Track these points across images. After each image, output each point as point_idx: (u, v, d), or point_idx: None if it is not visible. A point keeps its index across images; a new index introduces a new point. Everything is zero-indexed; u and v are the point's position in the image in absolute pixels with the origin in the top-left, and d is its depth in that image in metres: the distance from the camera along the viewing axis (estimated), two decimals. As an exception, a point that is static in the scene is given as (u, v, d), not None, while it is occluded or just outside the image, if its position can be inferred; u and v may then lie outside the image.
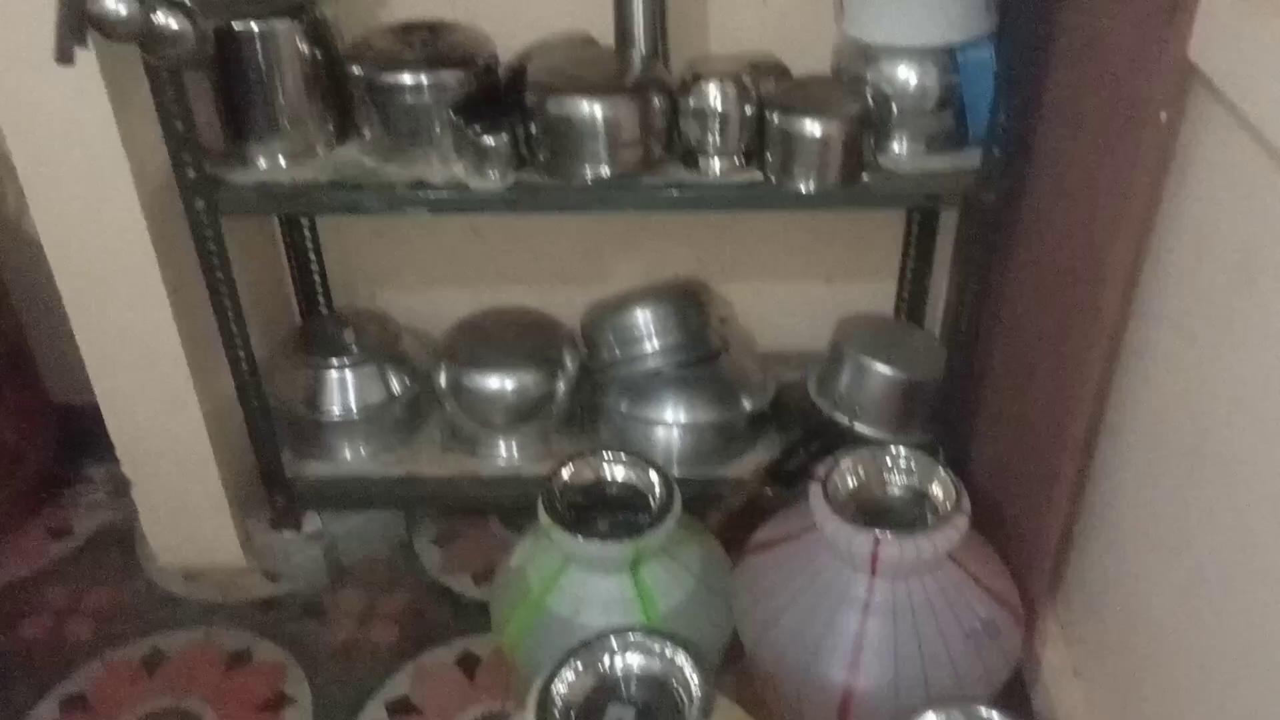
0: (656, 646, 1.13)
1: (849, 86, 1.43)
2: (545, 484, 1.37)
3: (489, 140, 1.35)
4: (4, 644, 1.63)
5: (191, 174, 1.36)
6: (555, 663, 1.11)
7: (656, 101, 1.37)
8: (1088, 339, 1.20)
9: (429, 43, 1.43)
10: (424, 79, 1.38)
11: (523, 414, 1.68)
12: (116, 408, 1.59)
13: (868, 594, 1.27)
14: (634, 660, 1.13)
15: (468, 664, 1.57)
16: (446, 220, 1.76)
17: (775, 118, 1.36)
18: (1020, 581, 1.37)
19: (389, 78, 1.39)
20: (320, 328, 1.81)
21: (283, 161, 1.44)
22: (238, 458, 1.66)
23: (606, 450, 1.42)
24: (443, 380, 1.68)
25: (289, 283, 1.83)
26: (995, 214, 1.39)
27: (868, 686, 1.26)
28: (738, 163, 1.41)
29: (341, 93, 1.44)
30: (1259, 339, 0.95)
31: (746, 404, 1.68)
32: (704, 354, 1.68)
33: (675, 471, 1.48)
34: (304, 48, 1.40)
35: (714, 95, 1.35)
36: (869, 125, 1.38)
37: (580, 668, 1.11)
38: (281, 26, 1.38)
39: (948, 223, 1.74)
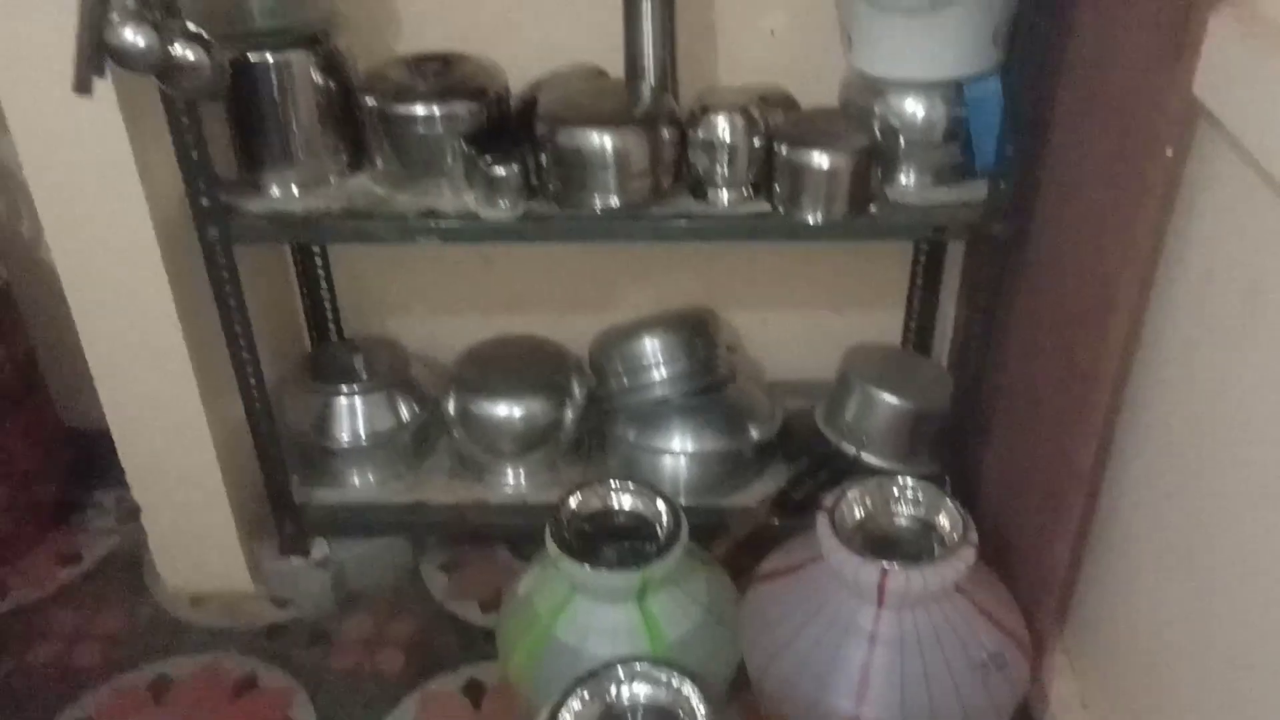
0: (663, 676, 1.13)
1: (857, 119, 1.44)
2: (553, 513, 1.37)
3: (500, 170, 1.37)
4: (12, 668, 1.63)
5: (205, 202, 1.37)
6: (562, 692, 1.11)
7: (666, 133, 1.39)
8: (1095, 370, 1.20)
9: (441, 74, 1.45)
10: (436, 110, 1.39)
11: (530, 442, 1.68)
12: (128, 433, 1.60)
13: (874, 625, 1.27)
14: (641, 690, 1.13)
15: (474, 692, 1.57)
16: (456, 249, 1.77)
17: (783, 149, 1.37)
18: (1028, 613, 1.37)
19: (402, 108, 1.40)
20: (330, 355, 1.82)
21: (295, 190, 1.45)
22: (247, 483, 1.67)
23: (614, 479, 1.43)
24: (451, 408, 1.68)
25: (300, 310, 1.85)
26: (1002, 245, 1.40)
27: (874, 718, 1.25)
28: (746, 194, 1.42)
29: (354, 122, 1.46)
30: (1266, 369, 0.95)
31: (754, 433, 1.68)
32: (712, 383, 1.69)
33: (682, 500, 1.48)
34: (318, 79, 1.42)
35: (723, 127, 1.36)
36: (876, 157, 1.39)
37: (587, 697, 1.12)
38: (297, 58, 1.39)
39: (955, 253, 1.75)
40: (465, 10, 1.56)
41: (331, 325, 1.86)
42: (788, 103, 1.51)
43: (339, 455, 1.70)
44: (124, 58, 1.21)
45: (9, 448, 1.77)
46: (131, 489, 1.66)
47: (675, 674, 1.12)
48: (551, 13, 1.56)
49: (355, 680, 1.59)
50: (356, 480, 1.72)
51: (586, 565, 1.31)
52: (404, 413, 1.71)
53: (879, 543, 1.32)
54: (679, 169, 1.42)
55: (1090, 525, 1.34)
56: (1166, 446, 1.15)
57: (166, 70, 1.24)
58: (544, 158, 1.39)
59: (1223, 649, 1.03)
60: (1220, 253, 1.04)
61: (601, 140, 1.36)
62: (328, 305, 1.84)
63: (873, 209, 1.40)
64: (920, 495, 1.35)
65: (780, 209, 1.40)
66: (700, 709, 1.09)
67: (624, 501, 1.42)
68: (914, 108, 1.40)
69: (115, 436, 1.60)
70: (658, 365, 1.67)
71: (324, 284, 1.82)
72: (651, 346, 1.67)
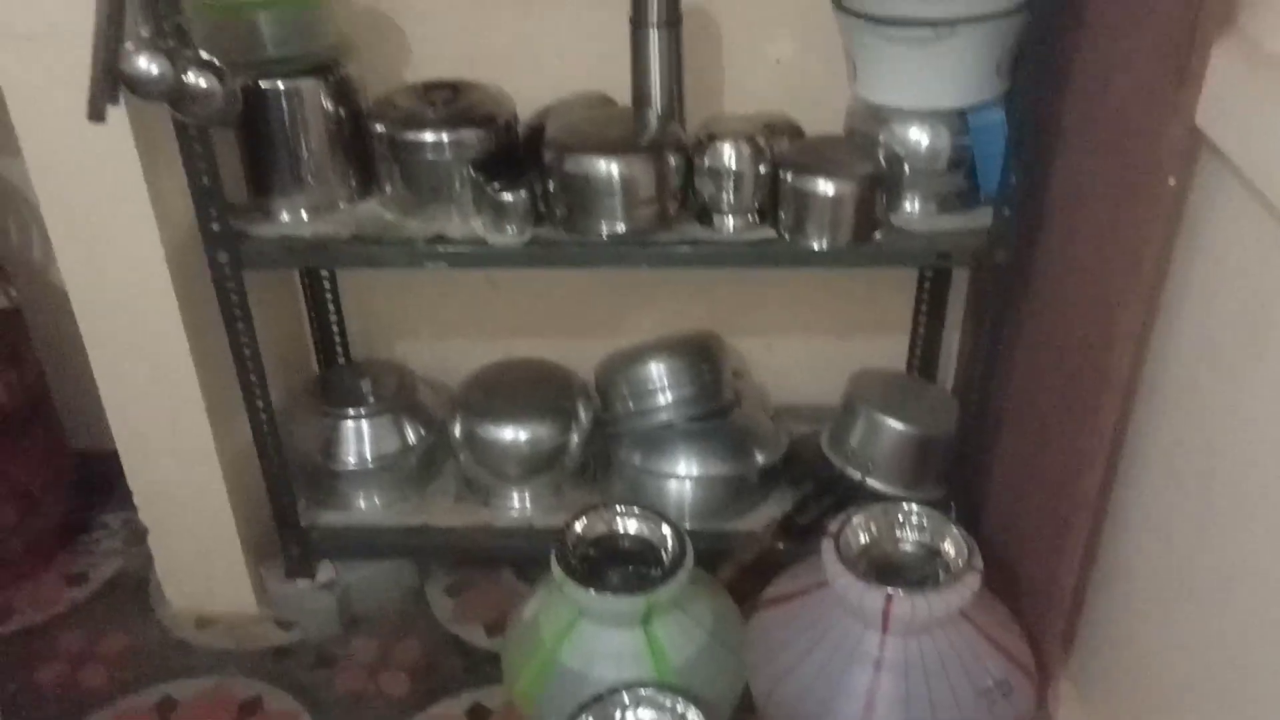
0: (668, 702, 1.14)
1: (862, 147, 1.45)
2: (558, 537, 1.37)
3: (508, 197, 1.38)
4: (18, 689, 1.63)
5: (215, 227, 1.38)
6: (567, 717, 1.12)
7: (672, 160, 1.40)
8: (1100, 396, 1.21)
9: (450, 101, 1.46)
10: (445, 137, 1.41)
11: (536, 465, 1.69)
12: (135, 455, 1.61)
13: (879, 651, 1.27)
14: (645, 715, 1.14)
15: (478, 715, 1.57)
16: (464, 274, 1.78)
17: (789, 177, 1.38)
18: (1033, 639, 1.37)
19: (411, 135, 1.41)
20: (338, 378, 1.82)
21: (305, 216, 1.46)
22: (253, 506, 1.67)
23: (619, 503, 1.43)
24: (457, 431, 1.69)
25: (308, 334, 1.86)
26: (1006, 272, 1.41)
27: (879, 744, 1.25)
28: (751, 220, 1.43)
29: (364, 149, 1.47)
30: (1270, 396, 0.96)
31: (759, 458, 1.68)
32: (717, 408, 1.69)
33: (687, 525, 1.49)
34: (329, 106, 1.43)
35: (728, 154, 1.38)
36: (881, 185, 1.40)
37: (592, 722, 1.12)
38: (308, 85, 1.41)
39: (960, 279, 1.75)
40: (474, 39, 1.58)
41: (339, 349, 1.87)
42: (793, 131, 1.52)
43: (345, 478, 1.71)
44: (137, 85, 1.23)
45: (17, 469, 1.78)
46: (139, 511, 1.67)
47: (680, 699, 1.13)
48: (559, 41, 1.58)
49: (360, 703, 1.59)
50: (362, 503, 1.72)
51: (592, 590, 1.31)
52: (410, 436, 1.72)
53: (884, 568, 1.32)
54: (685, 196, 1.44)
55: (1096, 551, 1.34)
56: (1172, 473, 1.16)
57: (179, 97, 1.26)
58: (551, 184, 1.40)
59: (1230, 675, 1.03)
60: (1224, 281, 1.05)
61: (608, 167, 1.37)
62: (336, 329, 1.85)
63: (877, 236, 1.41)
64: (925, 521, 1.35)
65: (785, 236, 1.41)
66: (705, 735, 1.09)
67: (629, 526, 1.42)
68: (918, 136, 1.41)
69: (123, 458, 1.61)
70: (663, 390, 1.67)
71: (332, 308, 1.83)
72: (657, 371, 1.67)
